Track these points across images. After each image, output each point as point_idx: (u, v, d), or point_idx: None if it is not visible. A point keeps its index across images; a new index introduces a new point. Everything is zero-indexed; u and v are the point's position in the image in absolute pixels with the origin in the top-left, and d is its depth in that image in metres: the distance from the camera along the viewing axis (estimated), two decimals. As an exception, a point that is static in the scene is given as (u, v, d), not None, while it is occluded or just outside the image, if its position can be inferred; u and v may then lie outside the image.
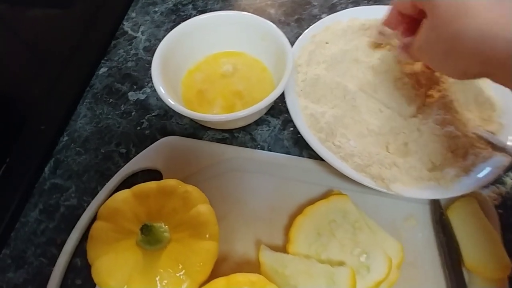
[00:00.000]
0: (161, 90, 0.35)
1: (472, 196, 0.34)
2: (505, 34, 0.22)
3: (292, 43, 0.39)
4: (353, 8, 0.45)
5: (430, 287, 0.31)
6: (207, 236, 0.27)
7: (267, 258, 0.30)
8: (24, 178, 0.38)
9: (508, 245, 0.33)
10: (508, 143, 0.34)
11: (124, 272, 0.26)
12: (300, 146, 0.39)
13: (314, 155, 0.37)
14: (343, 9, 0.45)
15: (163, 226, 0.27)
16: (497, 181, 0.37)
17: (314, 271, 0.29)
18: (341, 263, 0.29)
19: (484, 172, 0.33)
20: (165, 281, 0.26)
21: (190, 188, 0.30)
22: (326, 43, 0.42)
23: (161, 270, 0.26)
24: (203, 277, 0.26)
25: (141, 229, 0.25)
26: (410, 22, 0.32)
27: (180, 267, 0.26)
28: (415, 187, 0.32)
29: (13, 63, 0.42)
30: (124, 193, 0.29)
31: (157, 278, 0.26)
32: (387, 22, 0.35)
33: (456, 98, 0.38)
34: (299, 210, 0.33)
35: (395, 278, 0.30)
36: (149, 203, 0.28)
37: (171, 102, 0.34)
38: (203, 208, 0.28)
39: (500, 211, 0.35)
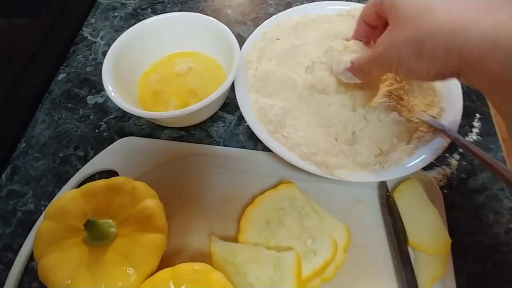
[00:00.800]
0: (109, 88, 0.35)
1: (416, 178, 0.35)
2: (477, 30, 0.21)
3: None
4: (303, 5, 0.46)
5: (378, 267, 0.32)
6: (153, 228, 0.28)
7: (218, 248, 0.31)
8: (-19, 186, 0.38)
9: (453, 223, 0.34)
10: (447, 125, 0.35)
11: (70, 268, 0.26)
12: (255, 140, 0.40)
13: (268, 148, 0.38)
14: (298, 7, 0.46)
15: (110, 221, 0.28)
16: (443, 162, 0.38)
17: (262, 257, 0.30)
18: (288, 249, 0.30)
19: (425, 155, 0.34)
20: (112, 275, 0.26)
21: (138, 184, 0.30)
22: (277, 39, 0.43)
23: (108, 265, 0.26)
24: (149, 269, 0.27)
25: (85, 225, 0.26)
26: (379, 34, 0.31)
27: (127, 260, 0.27)
28: (360, 172, 0.34)
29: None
30: (72, 192, 0.29)
31: (102, 273, 0.26)
32: (356, 35, 0.34)
33: (401, 86, 0.39)
34: (252, 201, 0.34)
35: (341, 260, 0.31)
36: (97, 201, 0.29)
37: (121, 102, 0.35)
38: (150, 202, 0.29)
39: (446, 191, 0.36)
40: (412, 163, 0.34)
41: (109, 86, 0.36)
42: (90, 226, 0.26)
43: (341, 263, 0.31)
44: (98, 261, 0.26)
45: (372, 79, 0.34)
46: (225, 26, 0.40)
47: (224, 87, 0.35)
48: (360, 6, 0.45)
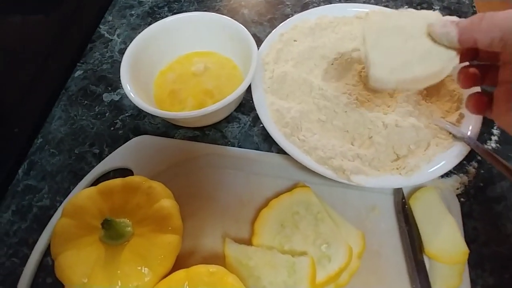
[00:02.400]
0: (128, 87, 0.35)
1: (433, 186, 0.35)
2: None
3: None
4: (321, 6, 0.46)
5: (392, 275, 0.31)
6: (169, 229, 0.28)
7: (232, 250, 0.31)
8: (-3, 181, 0.39)
9: (470, 232, 0.34)
10: (467, 132, 0.35)
11: (86, 266, 0.26)
12: (270, 142, 0.40)
13: (282, 150, 0.38)
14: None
15: (126, 221, 0.28)
16: (460, 170, 0.38)
17: (276, 261, 0.29)
18: (303, 254, 0.30)
19: (444, 162, 0.34)
20: (127, 275, 0.26)
21: (155, 184, 0.30)
22: (294, 41, 0.43)
23: (123, 264, 0.26)
24: (164, 269, 0.27)
25: (102, 224, 0.26)
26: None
27: (142, 260, 0.27)
28: (377, 178, 0.33)
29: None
30: (89, 190, 0.30)
31: (118, 272, 0.26)
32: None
33: (419, 91, 0.39)
34: (266, 204, 0.34)
35: (356, 266, 0.30)
36: (113, 199, 0.29)
37: (140, 102, 0.35)
38: (166, 203, 0.29)
39: (463, 200, 0.36)
40: (431, 170, 0.33)
41: (128, 85, 0.36)
42: (107, 225, 0.26)
43: (355, 269, 0.30)
44: (114, 260, 0.27)
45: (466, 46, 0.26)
46: (243, 26, 0.40)
47: (241, 88, 0.35)
48: (379, 9, 0.45)
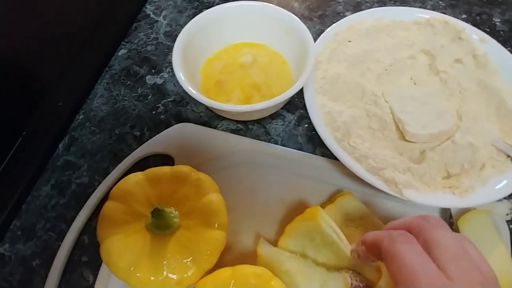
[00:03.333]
0: (181, 76, 0.35)
1: (484, 209, 0.33)
2: None
3: (313, 39, 0.38)
4: (378, 8, 0.44)
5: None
6: (216, 225, 0.27)
7: (265, 251, 0.30)
8: (38, 153, 0.39)
9: (518, 261, 0.33)
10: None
11: (133, 254, 0.26)
12: (314, 144, 0.39)
13: (327, 154, 0.37)
14: (368, 8, 0.44)
15: (174, 211, 0.27)
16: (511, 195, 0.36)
17: (310, 272, 0.29)
18: (338, 269, 0.29)
19: (500, 185, 0.32)
20: (172, 266, 0.26)
21: (203, 176, 0.30)
22: (349, 41, 0.41)
23: (169, 255, 0.26)
24: (209, 265, 0.27)
25: (152, 213, 0.25)
26: None
27: (188, 253, 0.26)
28: (429, 195, 0.32)
29: (34, 39, 0.43)
30: (137, 176, 0.29)
31: (164, 263, 0.26)
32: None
33: (477, 109, 0.37)
34: (306, 207, 0.33)
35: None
36: (161, 188, 0.29)
37: (191, 90, 0.34)
38: (215, 197, 0.28)
39: (512, 227, 0.34)
40: (486, 194, 0.32)
41: (181, 74, 0.35)
42: (157, 214, 0.25)
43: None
44: (160, 250, 0.26)
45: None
46: (301, 22, 0.38)
47: (295, 88, 0.34)
48: (440, 16, 0.43)
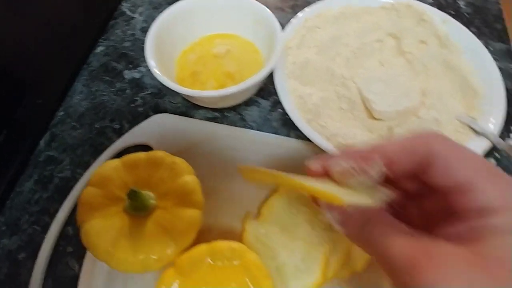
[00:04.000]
0: (152, 63, 0.36)
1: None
2: None
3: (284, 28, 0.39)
4: (346, -5, 0.46)
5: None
6: (192, 203, 0.28)
7: (252, 227, 0.32)
8: (20, 150, 0.40)
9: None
10: (489, 126, 0.35)
11: (112, 235, 0.27)
12: (288, 127, 0.40)
13: (301, 136, 0.39)
14: (337, -4, 0.46)
15: (150, 193, 0.29)
16: (477, 166, 0.38)
17: (293, 246, 0.30)
18: (321, 243, 0.31)
19: (463, 155, 0.34)
20: (151, 246, 0.27)
21: (177, 159, 0.31)
22: (318, 28, 0.43)
23: (147, 235, 0.27)
24: (186, 242, 0.28)
25: (128, 194, 0.26)
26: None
27: (165, 232, 0.27)
28: (396, 168, 0.34)
29: (12, 39, 0.43)
30: (114, 162, 0.30)
31: (143, 243, 0.27)
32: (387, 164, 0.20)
33: (441, 86, 0.39)
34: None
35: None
36: (138, 172, 0.30)
37: (164, 78, 0.35)
38: (189, 178, 0.30)
39: (478, 195, 0.36)
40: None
41: (152, 61, 0.36)
42: (133, 195, 0.26)
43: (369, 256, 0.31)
44: (138, 231, 0.27)
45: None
46: (268, 10, 0.40)
47: (264, 72, 0.35)
48: (404, 0, 0.44)
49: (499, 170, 0.19)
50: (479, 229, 0.17)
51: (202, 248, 0.27)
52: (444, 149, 0.19)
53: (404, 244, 0.17)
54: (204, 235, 0.33)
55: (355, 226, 0.20)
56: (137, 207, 0.27)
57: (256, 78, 0.35)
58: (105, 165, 0.30)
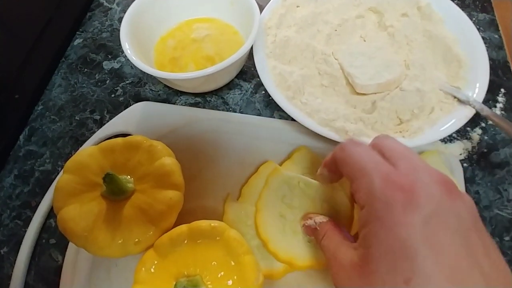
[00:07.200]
0: (128, 50, 0.35)
1: (436, 150, 0.35)
2: None
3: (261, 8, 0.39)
4: (325, -28, 0.45)
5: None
6: (171, 185, 0.28)
7: (232, 208, 0.31)
8: (-1, 146, 0.39)
9: (472, 196, 0.34)
10: (473, 95, 0.34)
11: (89, 220, 0.26)
12: (272, 108, 0.40)
13: (284, 116, 0.38)
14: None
15: (128, 177, 0.28)
16: (464, 136, 0.37)
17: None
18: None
19: (448, 124, 0.33)
20: (130, 229, 0.26)
21: (155, 142, 0.30)
22: (297, 6, 0.42)
23: (125, 219, 0.26)
24: (166, 224, 0.27)
25: (104, 178, 0.26)
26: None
27: (144, 215, 0.27)
28: (380, 140, 0.33)
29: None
30: (90, 149, 0.29)
31: (121, 227, 0.26)
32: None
33: (424, 57, 0.38)
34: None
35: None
36: (115, 157, 0.29)
37: (140, 63, 0.34)
38: (167, 160, 0.29)
39: (465, 165, 0.36)
40: (434, 132, 0.33)
41: (127, 48, 0.35)
42: (109, 179, 0.26)
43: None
44: (116, 215, 0.27)
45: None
46: (244, -11, 0.39)
47: (242, 50, 0.35)
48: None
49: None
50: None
51: (182, 228, 0.26)
52: (337, 153, 0.25)
53: (346, 252, 0.23)
54: (187, 218, 0.32)
55: (318, 238, 0.27)
56: (114, 191, 0.27)
57: (234, 57, 0.34)
58: (80, 152, 0.29)
